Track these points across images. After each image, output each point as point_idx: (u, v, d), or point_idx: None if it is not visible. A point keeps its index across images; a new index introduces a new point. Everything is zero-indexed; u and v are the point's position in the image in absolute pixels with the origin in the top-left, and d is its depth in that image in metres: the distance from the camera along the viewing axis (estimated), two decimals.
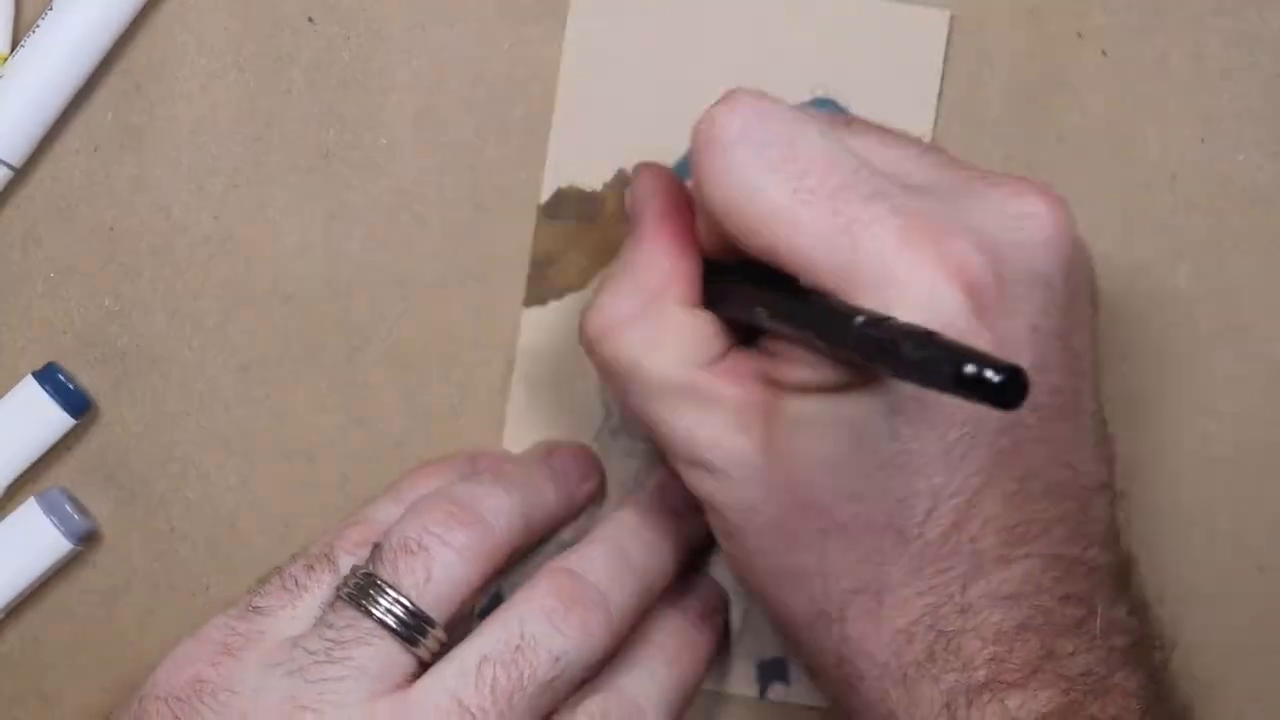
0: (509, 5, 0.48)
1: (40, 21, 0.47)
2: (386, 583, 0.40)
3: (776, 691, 0.47)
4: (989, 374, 0.31)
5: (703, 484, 0.41)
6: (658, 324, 0.41)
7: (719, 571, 0.47)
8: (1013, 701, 0.38)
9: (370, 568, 0.41)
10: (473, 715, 0.39)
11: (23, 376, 0.47)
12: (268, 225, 0.48)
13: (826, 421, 0.38)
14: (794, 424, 0.39)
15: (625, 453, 0.48)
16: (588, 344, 0.42)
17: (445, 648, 0.41)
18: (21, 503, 0.47)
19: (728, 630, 0.47)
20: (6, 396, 0.47)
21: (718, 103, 0.39)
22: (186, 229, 0.48)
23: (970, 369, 0.31)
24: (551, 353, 0.48)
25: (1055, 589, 0.38)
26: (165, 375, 0.48)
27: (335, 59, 0.48)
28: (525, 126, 0.48)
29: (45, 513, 0.46)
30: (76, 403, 0.47)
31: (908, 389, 0.37)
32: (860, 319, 0.35)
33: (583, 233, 0.48)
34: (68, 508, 0.47)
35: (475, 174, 0.48)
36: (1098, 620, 0.39)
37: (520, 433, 0.48)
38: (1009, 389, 0.31)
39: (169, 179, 0.48)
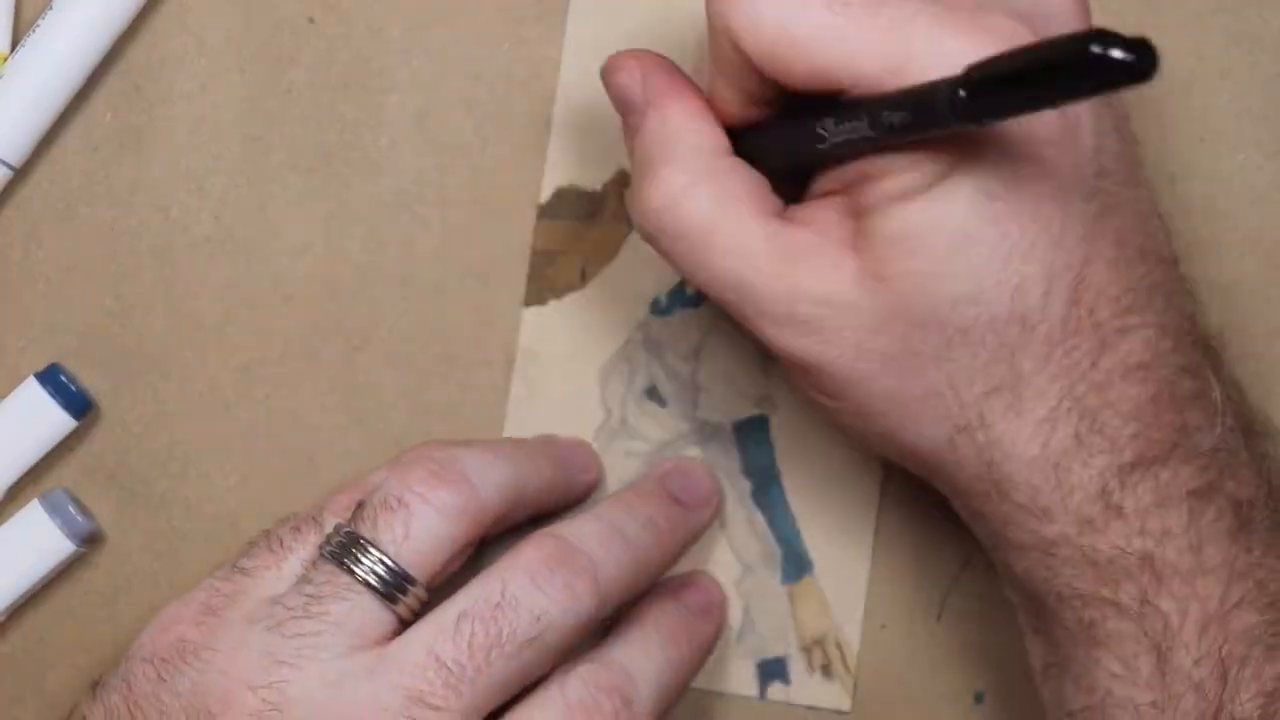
0: (509, 5, 0.48)
1: (40, 21, 0.47)
2: (366, 539, 0.41)
3: (776, 691, 0.47)
4: (1116, 51, 0.31)
5: (800, 341, 0.39)
6: (722, 181, 0.40)
7: (719, 573, 0.47)
8: (1163, 475, 0.38)
9: (351, 525, 0.41)
10: (449, 669, 0.39)
11: (23, 376, 0.48)
12: (268, 225, 0.48)
13: (926, 227, 0.37)
14: (891, 242, 0.38)
15: (625, 453, 0.48)
16: (650, 222, 0.40)
17: (427, 608, 0.41)
18: (23, 504, 0.47)
19: (727, 632, 0.47)
20: (9, 398, 0.47)
21: None
22: (186, 229, 0.48)
23: (1097, 48, 0.31)
24: (551, 352, 0.48)
25: (1173, 359, 0.39)
26: (165, 375, 0.48)
27: (335, 59, 0.48)
28: (525, 126, 0.48)
29: (49, 514, 0.46)
30: (78, 404, 0.47)
31: (996, 171, 0.37)
32: (948, 82, 0.35)
33: (583, 232, 0.48)
34: (71, 509, 0.47)
35: (475, 174, 0.48)
36: (1214, 392, 0.39)
37: (520, 433, 0.48)
38: (1142, 54, 0.31)
39: (169, 179, 0.48)
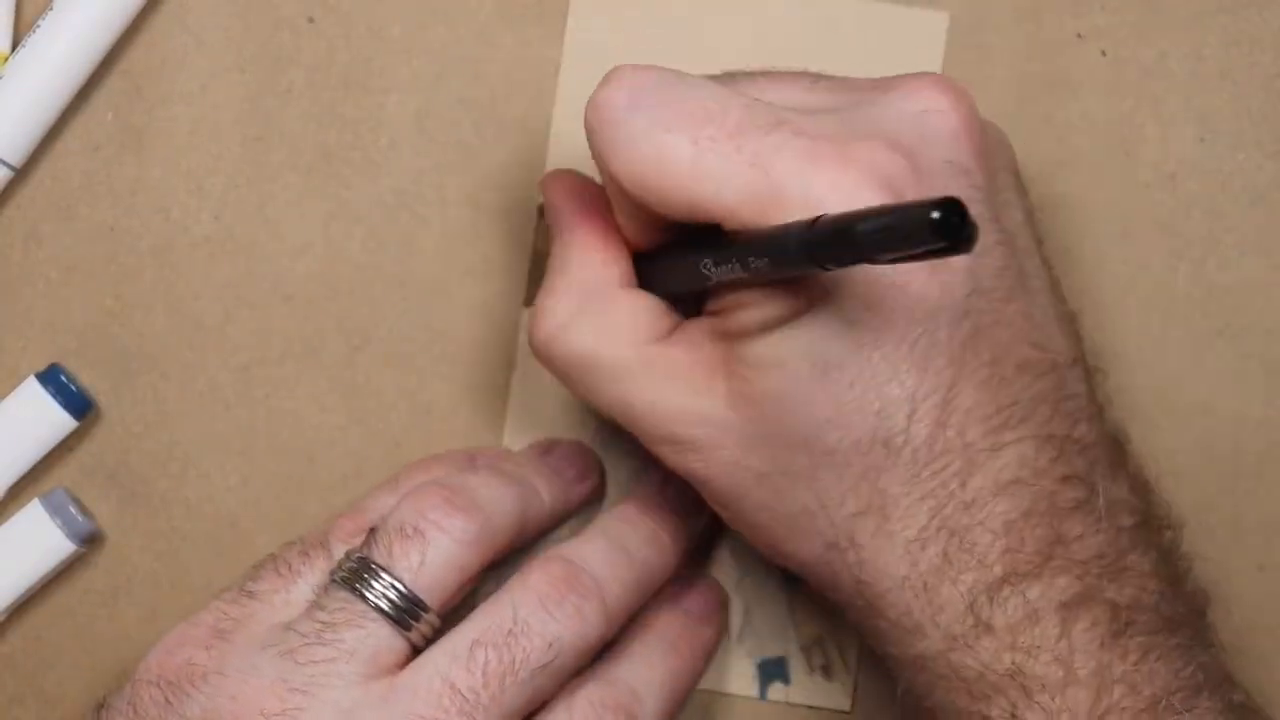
0: (509, 5, 0.48)
1: (40, 21, 0.47)
2: (380, 566, 0.41)
3: (776, 691, 0.47)
4: (935, 213, 0.31)
5: (683, 459, 0.41)
6: (603, 311, 0.41)
7: (719, 573, 0.47)
8: (1032, 592, 0.38)
9: (365, 551, 0.41)
10: (464, 697, 0.39)
11: (23, 376, 0.47)
12: (268, 225, 0.48)
13: (788, 354, 0.38)
14: (756, 367, 0.39)
15: (625, 453, 0.48)
16: (540, 351, 0.42)
17: (438, 635, 0.41)
18: (24, 504, 0.47)
19: (727, 632, 0.47)
20: (9, 398, 0.47)
21: (600, 84, 0.40)
22: (187, 229, 0.48)
23: (932, 214, 0.31)
24: None
25: (1052, 470, 0.39)
26: (165, 375, 0.48)
27: (335, 59, 0.48)
28: (525, 126, 0.48)
29: (49, 514, 0.46)
30: (79, 404, 0.47)
31: (859, 301, 0.37)
32: (800, 227, 0.35)
33: None
34: (71, 509, 0.47)
35: (475, 174, 0.48)
36: (1100, 498, 0.39)
37: (520, 433, 0.48)
38: (951, 219, 0.31)
39: (169, 179, 0.48)
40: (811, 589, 0.42)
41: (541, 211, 0.48)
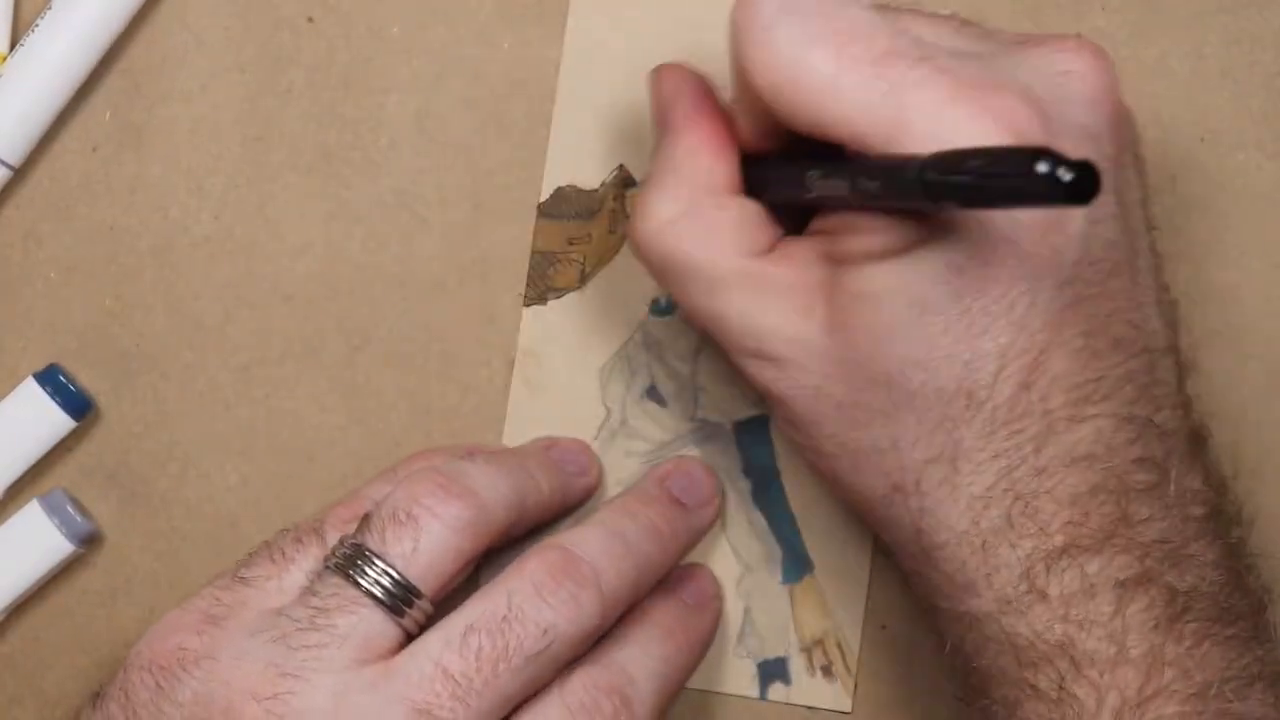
0: (509, 5, 0.48)
1: (39, 21, 0.47)
2: (373, 552, 0.40)
3: (777, 692, 0.47)
4: (1062, 171, 0.31)
5: (765, 375, 0.41)
6: (709, 217, 0.41)
7: (719, 574, 0.47)
8: (1091, 567, 0.38)
9: (358, 538, 0.41)
10: (456, 682, 0.39)
11: (22, 376, 0.47)
12: (268, 225, 0.48)
13: (890, 289, 0.38)
14: (857, 298, 0.39)
15: (625, 453, 0.48)
16: (640, 245, 0.42)
17: (432, 621, 0.41)
18: (22, 504, 0.47)
19: (726, 632, 0.47)
20: (8, 398, 0.47)
21: None
22: (186, 229, 0.48)
23: (1043, 166, 0.32)
24: (551, 352, 0.48)
25: (1128, 451, 0.39)
26: (165, 375, 0.48)
27: (335, 59, 0.48)
28: (525, 126, 0.48)
29: (48, 514, 0.46)
30: (78, 404, 0.47)
31: (968, 248, 0.37)
32: (921, 159, 0.35)
33: (582, 231, 0.48)
34: (70, 509, 0.47)
35: (475, 174, 0.48)
36: (1171, 485, 0.39)
37: (520, 433, 0.48)
38: (1082, 178, 0.31)
39: (168, 179, 0.48)
40: (867, 525, 0.43)
41: (541, 210, 0.48)
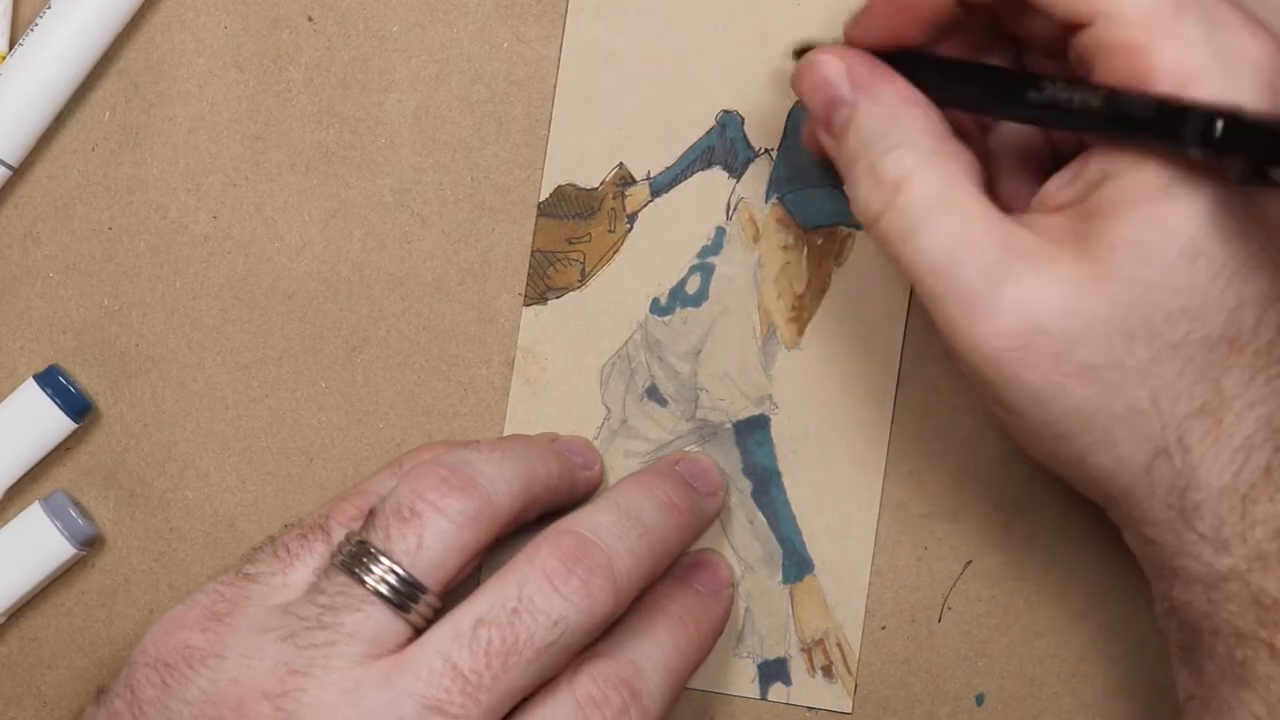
0: (508, 5, 0.48)
1: (38, 20, 0.47)
2: (379, 550, 0.40)
3: (777, 692, 0.47)
4: None
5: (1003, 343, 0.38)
6: (953, 163, 0.39)
7: (723, 547, 0.47)
8: None
9: (363, 535, 0.41)
10: (465, 678, 0.39)
11: (21, 375, 0.47)
12: (266, 225, 0.48)
13: (1160, 234, 0.37)
14: (1117, 246, 0.37)
15: (625, 453, 0.48)
16: (879, 207, 0.40)
17: (439, 615, 0.41)
18: (22, 505, 0.47)
19: (730, 629, 0.47)
20: (8, 399, 0.47)
21: None
22: (185, 228, 0.48)
23: None
24: (551, 352, 0.48)
25: None
26: (164, 375, 0.48)
27: (334, 58, 0.48)
28: (524, 125, 0.48)
29: (49, 517, 0.46)
30: (78, 406, 0.47)
31: (1231, 189, 0.36)
32: (1204, 112, 0.34)
33: (582, 230, 0.48)
34: (72, 512, 0.47)
35: (475, 173, 0.48)
36: None
37: (520, 432, 0.48)
38: None
39: (167, 178, 0.48)
40: (1105, 504, 0.41)
41: (541, 210, 0.48)
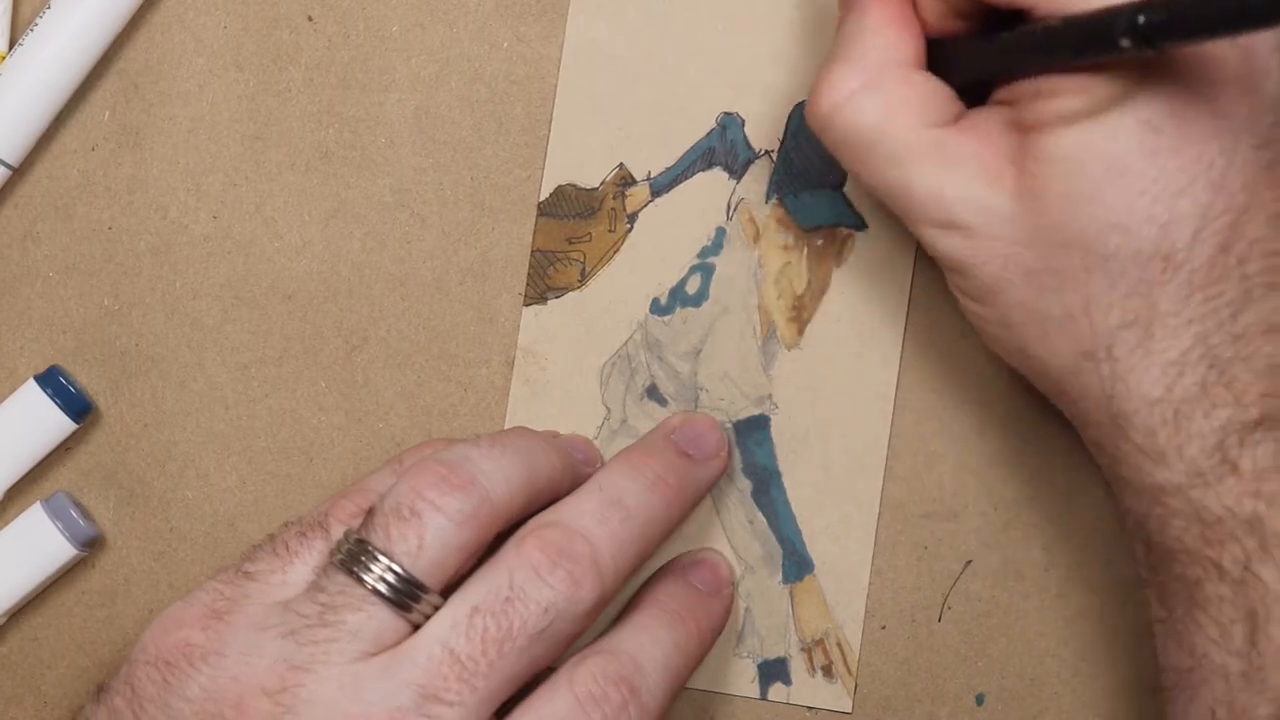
0: (508, 4, 0.48)
1: (38, 20, 0.47)
2: (378, 549, 0.40)
3: (777, 692, 0.47)
4: None
5: (953, 243, 0.41)
6: (894, 87, 0.41)
7: (723, 546, 0.47)
8: None
9: (362, 533, 0.41)
10: (462, 664, 0.39)
11: (20, 375, 0.47)
12: (266, 224, 0.48)
13: (1086, 151, 0.38)
14: (1051, 161, 0.39)
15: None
16: (821, 120, 0.42)
17: (438, 609, 0.41)
18: (23, 505, 0.47)
19: (724, 634, 0.47)
20: (8, 400, 0.47)
21: None
22: (185, 228, 0.48)
23: None
24: (551, 352, 0.48)
25: None
26: (164, 375, 0.48)
27: (334, 58, 0.48)
28: (524, 125, 0.48)
29: (50, 518, 0.46)
30: (79, 406, 0.47)
31: (1163, 106, 0.37)
32: (1128, 9, 0.35)
33: (582, 230, 0.48)
34: (73, 513, 0.47)
35: (474, 173, 0.48)
36: None
37: None
38: None
39: (167, 178, 0.48)
40: (1052, 400, 0.42)
41: (541, 210, 0.48)
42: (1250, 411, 0.38)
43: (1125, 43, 0.35)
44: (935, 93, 0.41)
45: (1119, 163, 0.38)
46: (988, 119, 0.41)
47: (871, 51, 0.41)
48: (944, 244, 0.41)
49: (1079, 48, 0.37)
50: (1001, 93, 0.41)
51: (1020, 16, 0.39)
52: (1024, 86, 0.39)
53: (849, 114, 0.41)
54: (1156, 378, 0.38)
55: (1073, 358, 0.40)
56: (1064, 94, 0.38)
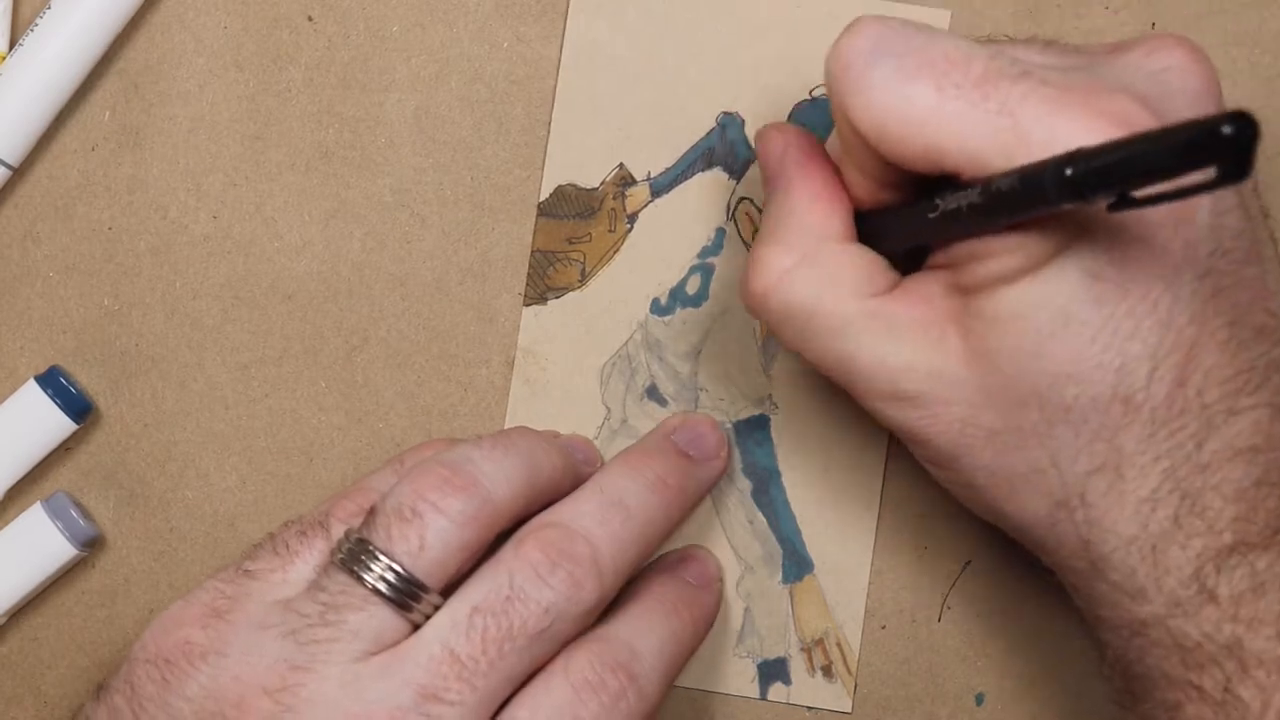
0: (508, 4, 0.48)
1: (38, 20, 0.47)
2: (379, 549, 0.40)
3: (777, 692, 0.47)
4: (1225, 128, 0.30)
5: (907, 415, 0.41)
6: (827, 263, 0.41)
7: (723, 546, 0.47)
8: (1260, 563, 0.38)
9: (363, 533, 0.41)
10: (462, 665, 0.39)
11: (20, 375, 0.47)
12: (266, 224, 0.48)
13: (1030, 308, 0.38)
14: (996, 320, 0.39)
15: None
16: (756, 301, 0.42)
17: (439, 609, 0.41)
18: (23, 505, 0.47)
19: (724, 634, 0.47)
20: (9, 400, 0.47)
21: (842, 34, 0.39)
22: (185, 228, 0.48)
23: (1228, 129, 0.31)
24: (551, 352, 0.48)
25: None
26: (164, 375, 0.48)
27: (334, 58, 0.48)
28: (524, 125, 0.48)
29: (51, 518, 0.46)
30: (79, 407, 0.47)
31: (1102, 253, 0.37)
32: (1060, 158, 0.35)
33: (582, 230, 0.48)
34: (73, 513, 0.47)
35: (474, 173, 0.48)
36: None
37: None
38: (1241, 133, 0.30)
39: (167, 178, 0.48)
40: (1031, 550, 0.42)
41: (541, 210, 0.48)
42: (1224, 537, 0.38)
43: (1056, 197, 0.35)
44: (869, 264, 0.41)
45: (1064, 313, 0.38)
46: (926, 284, 0.41)
47: (801, 229, 0.41)
48: (897, 416, 0.41)
49: (1011, 207, 0.37)
50: (938, 257, 0.41)
51: (949, 181, 0.39)
52: (960, 250, 0.39)
53: (783, 293, 0.41)
54: (1130, 516, 0.39)
55: (1046, 509, 0.40)
56: (1001, 254, 0.38)
